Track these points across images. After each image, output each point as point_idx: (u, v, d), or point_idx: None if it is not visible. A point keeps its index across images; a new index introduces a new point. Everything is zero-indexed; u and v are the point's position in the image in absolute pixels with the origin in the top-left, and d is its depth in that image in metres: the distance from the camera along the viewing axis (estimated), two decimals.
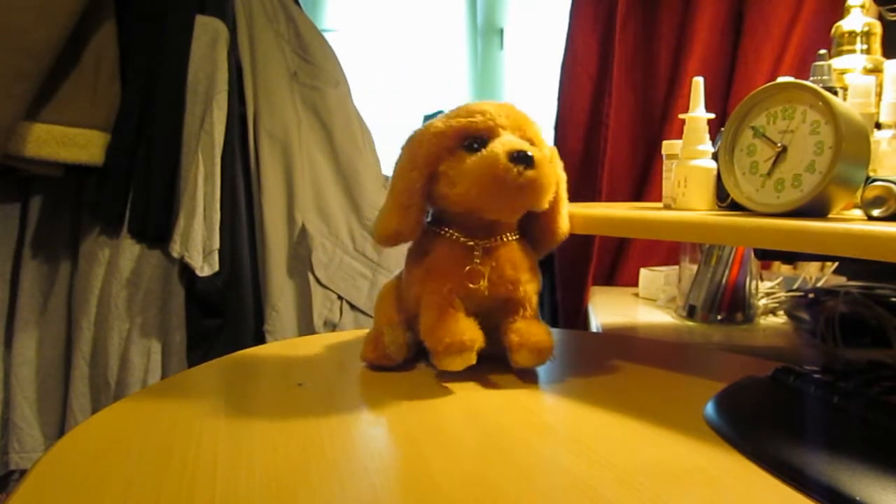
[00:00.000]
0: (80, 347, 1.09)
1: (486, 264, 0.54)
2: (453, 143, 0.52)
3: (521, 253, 0.56)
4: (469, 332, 0.51)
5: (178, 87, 1.10)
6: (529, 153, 0.49)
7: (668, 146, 0.75)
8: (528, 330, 0.54)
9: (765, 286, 1.10)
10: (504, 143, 0.50)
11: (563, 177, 0.58)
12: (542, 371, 0.58)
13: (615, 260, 1.37)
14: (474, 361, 0.52)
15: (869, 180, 0.48)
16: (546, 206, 0.53)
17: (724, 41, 1.29)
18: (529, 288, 0.56)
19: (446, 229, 0.55)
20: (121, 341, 1.09)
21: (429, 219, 0.58)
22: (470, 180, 0.50)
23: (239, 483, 0.36)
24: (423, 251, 0.56)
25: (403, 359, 0.58)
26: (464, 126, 0.52)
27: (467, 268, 0.54)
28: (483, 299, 0.55)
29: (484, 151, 0.50)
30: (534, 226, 0.58)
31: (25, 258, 1.11)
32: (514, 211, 0.54)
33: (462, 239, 0.55)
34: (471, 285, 0.53)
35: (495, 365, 0.59)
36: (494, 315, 0.56)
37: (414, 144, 0.55)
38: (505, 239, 0.55)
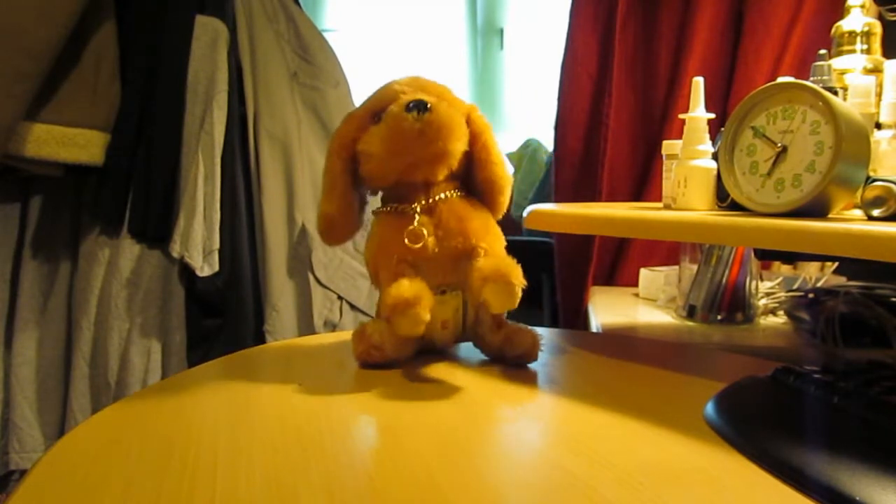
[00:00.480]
0: (80, 347, 1.09)
1: (429, 223, 0.55)
2: (365, 123, 0.56)
3: (465, 205, 0.57)
4: (410, 290, 0.50)
5: (178, 87, 1.10)
6: (423, 100, 0.51)
7: (668, 146, 0.75)
8: (487, 263, 0.51)
9: (765, 286, 1.10)
10: (400, 102, 0.52)
11: (488, 126, 0.58)
12: (541, 371, 0.58)
13: (615, 260, 1.37)
14: (425, 318, 0.49)
15: (869, 180, 0.48)
16: (458, 148, 0.54)
17: (724, 41, 1.29)
18: (482, 235, 0.56)
19: (387, 204, 0.58)
20: (121, 341, 1.09)
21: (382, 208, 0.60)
22: (377, 144, 0.53)
23: (239, 483, 0.36)
24: (372, 235, 0.58)
25: (394, 350, 0.57)
26: (371, 105, 0.56)
27: (408, 229, 0.55)
28: (439, 259, 0.55)
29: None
30: (474, 183, 0.59)
31: (25, 258, 1.11)
32: (430, 161, 0.54)
33: (400, 207, 0.56)
34: (414, 246, 0.54)
35: (495, 365, 0.59)
36: (468, 293, 0.55)
37: (334, 133, 0.58)
38: (444, 196, 0.56)
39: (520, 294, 0.50)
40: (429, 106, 0.51)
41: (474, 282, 0.51)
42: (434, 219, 0.56)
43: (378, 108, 0.55)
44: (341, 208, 0.57)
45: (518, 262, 0.57)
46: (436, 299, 0.54)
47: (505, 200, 0.59)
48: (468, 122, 0.56)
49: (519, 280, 0.50)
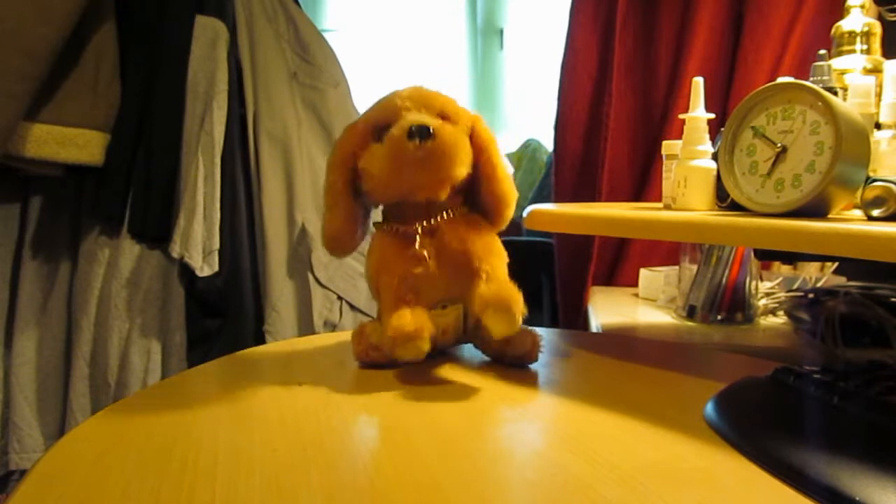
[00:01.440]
0: (80, 347, 1.09)
1: (430, 245, 0.54)
2: (366, 137, 0.54)
3: (468, 225, 0.56)
4: (413, 323, 0.50)
5: (178, 87, 1.10)
6: (426, 125, 0.49)
7: (668, 146, 0.75)
8: (489, 290, 0.51)
9: (765, 286, 1.10)
10: (402, 123, 0.50)
11: (492, 139, 0.57)
12: (541, 371, 0.58)
13: (615, 260, 1.37)
14: (425, 348, 0.50)
15: (869, 180, 0.48)
16: (461, 171, 0.53)
17: (724, 41, 1.29)
18: (484, 256, 0.55)
19: (388, 223, 0.56)
20: (121, 341, 1.09)
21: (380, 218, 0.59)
22: (378, 167, 0.52)
23: (239, 483, 0.36)
24: (373, 250, 0.57)
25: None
26: (373, 119, 0.54)
27: (409, 252, 0.54)
28: (440, 279, 0.54)
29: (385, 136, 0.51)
30: (478, 197, 0.57)
31: (25, 258, 1.11)
32: (432, 185, 0.53)
33: (401, 228, 0.55)
34: (415, 270, 0.53)
35: (496, 365, 0.59)
36: (468, 303, 0.55)
37: (335, 145, 0.57)
38: (446, 216, 0.55)
39: (521, 321, 0.50)
40: (431, 132, 0.49)
41: (476, 307, 0.51)
42: (436, 240, 0.55)
43: (379, 122, 0.53)
44: (345, 224, 0.56)
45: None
46: (437, 312, 0.55)
47: (509, 214, 0.58)
48: (472, 135, 0.55)
49: (519, 308, 0.49)
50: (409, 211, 0.55)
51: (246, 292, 1.15)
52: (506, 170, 0.58)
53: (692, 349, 0.73)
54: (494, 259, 0.55)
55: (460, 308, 0.57)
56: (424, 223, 0.55)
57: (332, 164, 0.56)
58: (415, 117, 0.51)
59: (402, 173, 0.51)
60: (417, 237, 0.54)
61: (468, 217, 0.57)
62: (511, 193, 0.57)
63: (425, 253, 0.54)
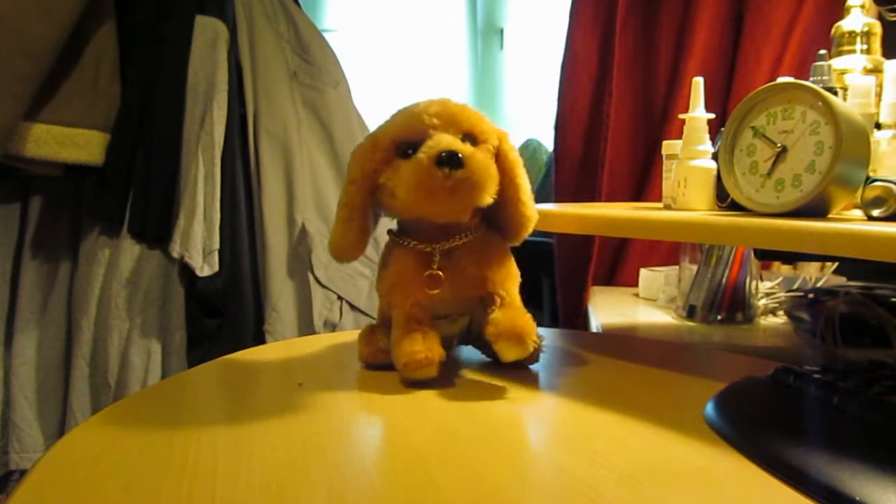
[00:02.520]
0: (80, 347, 1.09)
1: (447, 267, 0.53)
2: (390, 152, 0.51)
3: (485, 247, 0.54)
4: (425, 350, 0.51)
5: (178, 87, 1.10)
6: (456, 153, 0.47)
7: (668, 146, 0.75)
8: (504, 318, 0.51)
9: (765, 286, 1.10)
10: (430, 147, 0.48)
11: (517, 161, 0.55)
12: (541, 371, 0.58)
13: (615, 260, 1.37)
14: (434, 374, 0.52)
15: (869, 180, 0.48)
16: (488, 200, 0.50)
17: (724, 41, 1.29)
18: (500, 280, 0.54)
19: (404, 238, 0.54)
20: (121, 341, 1.09)
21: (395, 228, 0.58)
22: (403, 190, 0.49)
23: (239, 483, 0.36)
24: (387, 264, 0.55)
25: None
26: (398, 134, 0.51)
27: (426, 273, 0.52)
28: (452, 302, 0.54)
29: (413, 157, 0.49)
30: (498, 216, 0.56)
31: (25, 258, 1.11)
32: (457, 213, 0.52)
33: (419, 246, 0.53)
34: (432, 292, 0.52)
35: (495, 365, 0.59)
36: (476, 313, 0.56)
37: (355, 156, 0.54)
38: (464, 237, 0.53)
39: (532, 348, 0.51)
40: (461, 160, 0.47)
41: (489, 332, 0.51)
42: (452, 262, 0.53)
43: (404, 137, 0.51)
44: (353, 242, 0.54)
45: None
46: (445, 321, 0.56)
47: (526, 235, 0.57)
48: (498, 155, 0.53)
49: (532, 338, 0.50)
50: (428, 229, 0.53)
51: (246, 292, 1.16)
52: (529, 193, 0.56)
53: (692, 349, 0.73)
54: (509, 284, 0.54)
55: (468, 318, 0.57)
56: (444, 244, 0.53)
57: (353, 179, 0.53)
58: (445, 142, 0.48)
59: (428, 200, 0.49)
60: (436, 259, 0.53)
61: (486, 237, 0.55)
62: (532, 217, 0.56)
63: (442, 275, 0.52)
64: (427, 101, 0.51)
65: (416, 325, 0.52)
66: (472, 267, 0.53)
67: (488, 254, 0.54)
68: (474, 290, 0.54)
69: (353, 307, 1.23)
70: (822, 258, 1.05)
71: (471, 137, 0.51)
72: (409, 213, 0.52)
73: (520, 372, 0.57)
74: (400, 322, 0.53)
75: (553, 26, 1.71)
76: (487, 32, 2.61)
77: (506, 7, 2.61)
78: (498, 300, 0.53)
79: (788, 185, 0.50)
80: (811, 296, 0.91)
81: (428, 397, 0.50)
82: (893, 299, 0.80)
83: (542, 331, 0.63)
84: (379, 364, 0.57)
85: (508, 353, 0.51)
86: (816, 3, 1.21)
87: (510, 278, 0.55)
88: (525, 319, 0.51)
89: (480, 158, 0.49)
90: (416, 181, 0.48)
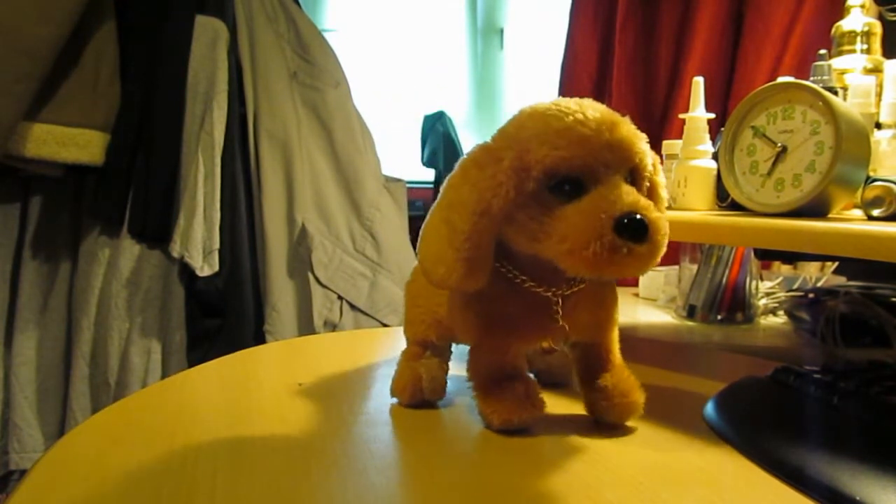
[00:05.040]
0: (80, 347, 1.09)
1: (564, 317, 0.43)
2: (538, 183, 0.38)
3: (597, 293, 0.45)
4: (530, 409, 0.43)
5: (178, 87, 1.10)
6: (643, 220, 0.36)
7: (668, 146, 0.75)
8: (616, 389, 0.44)
9: (765, 286, 1.10)
10: (611, 203, 0.36)
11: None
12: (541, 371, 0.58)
13: None
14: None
15: (869, 180, 0.48)
16: None
17: (724, 41, 1.29)
18: (609, 327, 0.46)
19: (515, 273, 0.42)
20: (121, 341, 1.09)
21: None
22: (564, 248, 0.37)
23: (239, 483, 0.36)
24: (488, 297, 0.43)
25: (441, 399, 0.50)
26: (555, 164, 0.37)
27: (551, 327, 0.42)
28: (555, 351, 0.46)
29: (581, 206, 0.37)
30: None
31: (25, 258, 1.11)
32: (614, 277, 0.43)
33: (535, 288, 0.42)
34: (553, 348, 0.44)
35: None
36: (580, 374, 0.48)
37: (490, 180, 0.39)
38: (583, 283, 0.43)
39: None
40: (647, 231, 0.36)
41: (600, 406, 0.45)
42: (567, 306, 0.43)
43: (563, 170, 0.37)
44: (476, 278, 0.40)
45: None
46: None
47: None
48: (649, 184, 0.42)
49: (641, 406, 0.45)
50: (548, 268, 0.40)
51: (246, 292, 1.15)
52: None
53: (692, 349, 0.73)
54: (615, 331, 0.47)
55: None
56: (564, 287, 0.42)
57: (486, 211, 0.39)
58: (627, 199, 0.36)
59: (592, 268, 0.36)
60: (557, 308, 0.42)
61: (595, 283, 0.45)
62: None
63: (568, 329, 0.43)
64: (589, 112, 0.38)
65: (517, 380, 0.44)
66: (586, 312, 0.44)
67: (602, 295, 0.45)
68: (581, 336, 0.45)
69: (353, 307, 1.23)
70: (822, 258, 1.04)
71: (635, 174, 0.40)
72: (552, 262, 0.39)
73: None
74: (492, 371, 0.45)
75: (553, 26, 1.71)
76: (487, 32, 2.61)
77: (506, 7, 2.61)
78: (610, 367, 0.45)
79: (788, 185, 0.50)
80: (811, 296, 0.91)
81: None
82: (893, 299, 0.80)
83: None
84: (419, 403, 0.49)
85: (618, 420, 0.45)
86: (816, 3, 1.21)
87: (616, 323, 0.47)
88: (632, 383, 0.45)
89: (663, 225, 0.37)
90: (584, 242, 0.36)
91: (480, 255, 0.40)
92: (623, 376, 0.45)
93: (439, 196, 0.42)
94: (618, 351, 0.47)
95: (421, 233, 0.42)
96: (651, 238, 0.36)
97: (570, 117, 0.37)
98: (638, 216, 0.36)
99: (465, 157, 0.42)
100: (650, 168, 0.41)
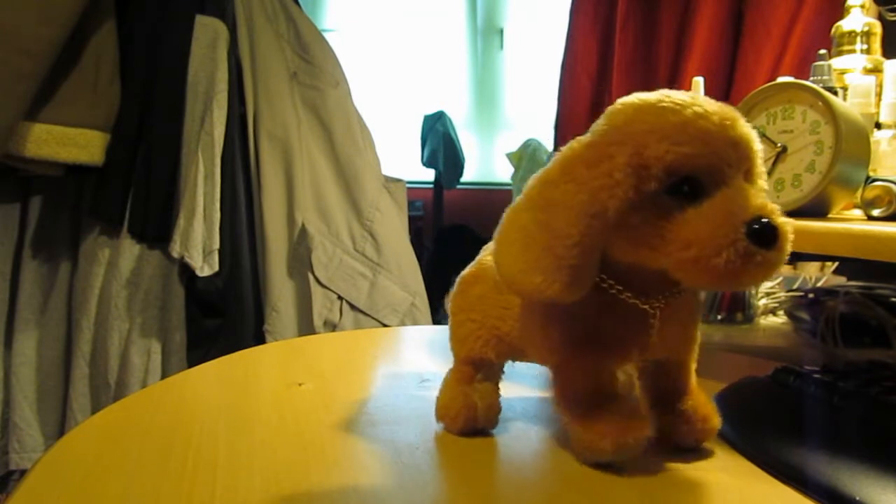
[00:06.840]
0: (80, 347, 1.09)
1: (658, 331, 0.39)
2: (658, 182, 0.33)
3: (690, 298, 0.41)
4: (641, 427, 0.38)
5: (178, 87, 1.10)
6: (775, 226, 0.33)
7: None
8: (696, 414, 0.41)
9: (765, 286, 1.09)
10: (741, 207, 0.33)
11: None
12: (541, 371, 0.58)
13: None
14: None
15: (869, 180, 0.48)
16: None
17: (724, 41, 1.29)
18: (691, 346, 0.42)
19: (610, 283, 0.38)
20: (121, 341, 1.09)
21: None
22: (682, 254, 0.33)
23: (239, 483, 0.36)
24: (569, 307, 0.37)
25: (494, 427, 0.45)
26: (677, 160, 0.33)
27: (645, 343, 0.38)
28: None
29: (708, 209, 0.33)
30: None
31: (25, 258, 1.11)
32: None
33: (633, 300, 0.38)
34: (643, 359, 0.41)
35: None
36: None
37: (597, 175, 0.35)
38: (681, 287, 0.38)
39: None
40: (778, 236, 0.33)
41: (677, 422, 0.41)
42: (661, 318, 0.39)
43: (686, 169, 0.33)
44: (578, 287, 0.35)
45: None
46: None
47: None
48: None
49: (716, 430, 0.42)
50: (647, 277, 0.37)
51: (246, 292, 1.16)
52: None
53: None
54: (696, 350, 0.43)
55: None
56: (661, 298, 0.38)
57: (599, 213, 0.34)
58: (757, 203, 0.33)
59: (717, 279, 0.33)
60: (654, 320, 0.38)
61: (688, 294, 0.41)
62: None
63: (658, 342, 0.39)
64: (708, 105, 0.34)
65: (616, 400, 0.39)
66: (677, 325, 0.40)
67: (692, 308, 0.42)
68: (669, 353, 0.41)
69: (353, 307, 1.23)
70: (822, 258, 1.04)
71: (748, 172, 0.36)
72: (659, 271, 0.35)
73: (518, 372, 0.57)
74: (586, 393, 0.40)
75: (553, 26, 1.71)
76: (487, 32, 2.61)
77: (506, 7, 2.61)
78: (686, 381, 0.42)
79: (788, 185, 0.50)
80: (811, 296, 0.91)
81: (429, 398, 0.50)
82: (893, 299, 0.80)
83: None
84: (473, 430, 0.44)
85: (695, 446, 0.42)
86: (816, 3, 1.21)
87: (696, 340, 0.43)
88: (711, 408, 0.42)
89: (790, 230, 0.34)
90: (714, 249, 0.32)
91: (587, 262, 0.35)
92: (701, 400, 0.42)
93: (523, 196, 0.37)
94: (693, 373, 0.43)
95: (498, 237, 0.37)
96: (780, 245, 0.33)
97: (689, 110, 0.33)
98: (769, 221, 0.33)
99: (561, 152, 0.38)
100: (763, 169, 0.37)
